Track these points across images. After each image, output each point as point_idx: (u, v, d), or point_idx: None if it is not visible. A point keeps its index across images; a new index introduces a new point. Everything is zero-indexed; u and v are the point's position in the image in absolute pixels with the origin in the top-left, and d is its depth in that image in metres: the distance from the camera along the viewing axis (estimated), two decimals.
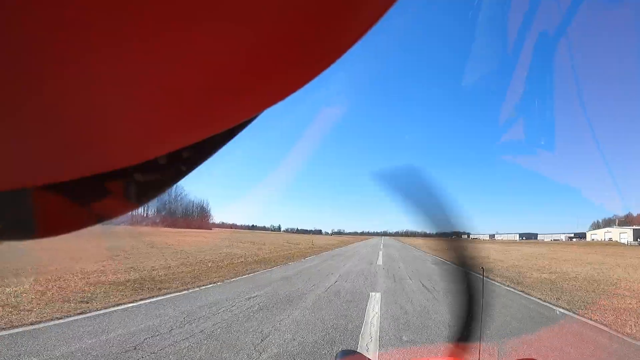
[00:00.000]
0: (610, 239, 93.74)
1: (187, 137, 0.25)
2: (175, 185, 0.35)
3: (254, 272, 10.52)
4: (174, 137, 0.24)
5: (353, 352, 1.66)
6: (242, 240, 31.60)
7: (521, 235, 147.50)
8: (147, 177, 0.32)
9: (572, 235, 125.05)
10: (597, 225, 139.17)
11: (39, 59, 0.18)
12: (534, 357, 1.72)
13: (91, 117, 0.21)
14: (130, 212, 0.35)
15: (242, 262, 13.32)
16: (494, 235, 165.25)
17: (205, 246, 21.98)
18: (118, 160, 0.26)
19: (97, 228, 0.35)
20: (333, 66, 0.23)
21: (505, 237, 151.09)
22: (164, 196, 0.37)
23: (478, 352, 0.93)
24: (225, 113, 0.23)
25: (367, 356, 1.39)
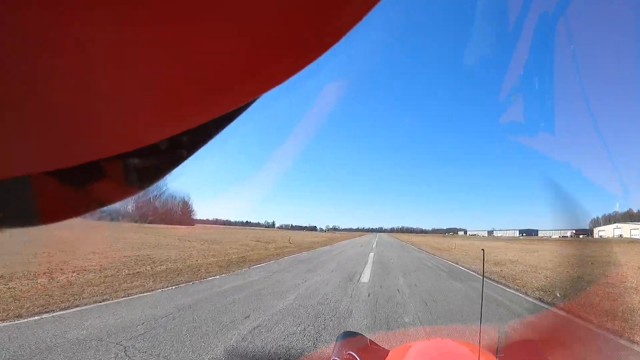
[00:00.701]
0: (620, 235, 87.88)
1: (187, 121, 0.25)
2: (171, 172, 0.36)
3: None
4: (174, 122, 0.25)
5: (355, 334, 1.67)
6: (202, 239, 25.40)
7: (521, 231, 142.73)
8: (147, 162, 0.33)
9: (573, 231, 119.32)
10: (596, 222, 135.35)
11: (37, 49, 0.18)
12: (534, 339, 1.70)
13: (91, 104, 0.22)
14: (130, 197, 0.36)
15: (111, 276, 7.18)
16: (492, 231, 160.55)
17: (130, 244, 15.78)
18: (118, 146, 0.26)
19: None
20: (328, 53, 0.23)
21: (504, 234, 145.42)
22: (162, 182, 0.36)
23: (479, 334, 0.97)
24: (223, 98, 0.24)
25: (369, 337, 1.54)
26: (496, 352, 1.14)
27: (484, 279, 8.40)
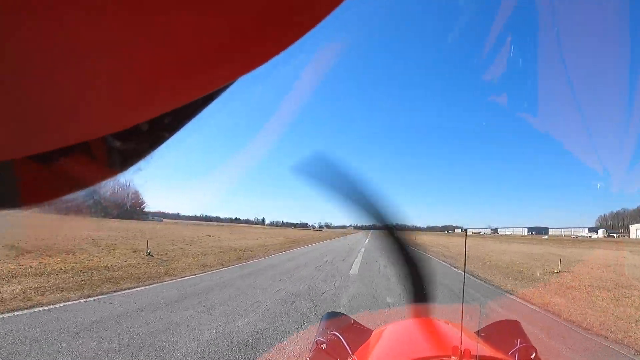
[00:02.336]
0: None
1: (168, 103, 0.25)
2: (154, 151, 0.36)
3: None
4: (155, 103, 0.24)
5: (339, 314, 1.70)
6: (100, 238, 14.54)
7: (530, 229, 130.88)
8: (129, 144, 0.33)
9: (605, 230, 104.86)
10: (604, 220, 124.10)
11: (15, 34, 0.18)
12: (516, 319, 1.55)
13: (72, 88, 0.22)
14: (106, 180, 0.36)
15: None
16: (496, 229, 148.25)
17: None
18: (99, 129, 0.26)
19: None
20: (311, 33, 0.23)
21: (512, 232, 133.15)
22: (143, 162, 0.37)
23: (461, 313, 1.00)
24: (204, 79, 0.24)
25: (353, 317, 1.56)
26: (477, 330, 1.33)
27: None
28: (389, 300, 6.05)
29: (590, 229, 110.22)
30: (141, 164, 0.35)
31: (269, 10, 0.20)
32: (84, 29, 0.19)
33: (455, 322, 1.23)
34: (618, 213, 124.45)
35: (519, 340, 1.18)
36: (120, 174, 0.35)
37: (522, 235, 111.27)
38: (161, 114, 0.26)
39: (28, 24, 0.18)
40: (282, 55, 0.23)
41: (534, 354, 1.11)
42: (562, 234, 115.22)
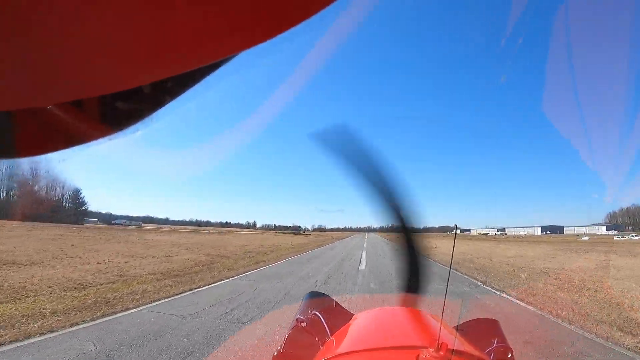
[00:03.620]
0: None
1: (172, 68, 0.25)
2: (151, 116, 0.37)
3: None
4: (160, 67, 0.25)
5: (322, 294, 1.70)
6: None
7: (544, 228, 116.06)
8: (129, 105, 0.34)
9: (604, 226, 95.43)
10: (613, 217, 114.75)
11: None
12: (493, 318, 1.48)
13: (77, 44, 0.22)
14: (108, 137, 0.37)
15: None
16: (503, 229, 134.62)
17: None
18: (102, 87, 0.27)
19: None
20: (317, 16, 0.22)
21: (524, 233, 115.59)
22: (142, 124, 0.37)
23: (442, 307, 0.98)
24: (209, 48, 0.24)
25: (336, 299, 1.53)
26: (456, 326, 1.30)
27: None
28: None
29: (608, 227, 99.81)
30: (139, 125, 0.35)
31: None
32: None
33: (436, 314, 1.21)
34: (628, 210, 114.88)
35: (496, 339, 1.18)
36: (118, 133, 0.35)
37: (533, 235, 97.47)
38: (164, 78, 0.26)
39: None
40: (285, 35, 0.23)
41: (509, 354, 1.12)
42: (583, 232, 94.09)
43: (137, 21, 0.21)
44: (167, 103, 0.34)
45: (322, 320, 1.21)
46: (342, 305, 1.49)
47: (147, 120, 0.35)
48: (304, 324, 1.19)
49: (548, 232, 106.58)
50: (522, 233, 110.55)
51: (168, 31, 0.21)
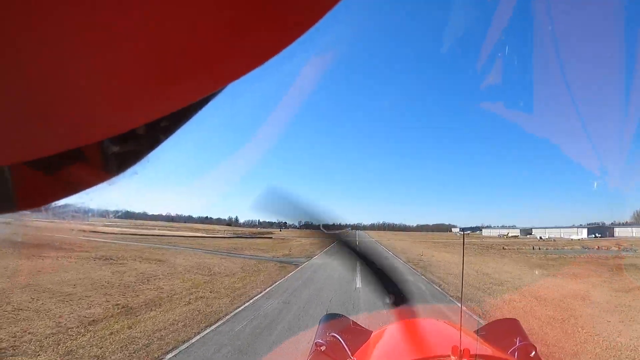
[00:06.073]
0: None
1: (164, 107, 0.25)
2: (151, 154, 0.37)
3: None
4: (152, 107, 0.25)
5: (338, 316, 1.72)
6: None
7: (592, 230, 70.06)
8: (125, 148, 0.34)
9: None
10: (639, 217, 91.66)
11: (12, 43, 0.18)
12: (514, 318, 1.52)
13: (69, 94, 0.22)
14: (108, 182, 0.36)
15: None
16: (530, 230, 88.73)
17: None
18: (97, 134, 0.27)
19: None
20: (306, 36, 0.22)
21: (562, 235, 68.54)
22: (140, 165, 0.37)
23: (460, 314, 0.99)
24: (199, 83, 0.24)
25: (352, 319, 1.61)
26: (476, 330, 1.33)
27: None
28: None
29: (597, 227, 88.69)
30: (137, 167, 0.35)
31: (264, 13, 0.20)
32: (79, 35, 0.18)
33: (454, 322, 1.30)
34: None
35: (518, 338, 1.18)
36: (116, 177, 0.35)
37: (584, 240, 51.53)
38: (158, 118, 0.26)
39: (24, 35, 0.17)
40: (275, 59, 0.23)
41: (533, 352, 1.11)
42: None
43: (127, 66, 0.20)
44: (162, 142, 0.34)
45: (342, 341, 1.24)
46: (358, 322, 1.56)
47: (143, 161, 0.35)
48: (323, 348, 1.21)
49: (597, 235, 66.38)
50: (573, 237, 62.25)
51: (158, 72, 0.21)
